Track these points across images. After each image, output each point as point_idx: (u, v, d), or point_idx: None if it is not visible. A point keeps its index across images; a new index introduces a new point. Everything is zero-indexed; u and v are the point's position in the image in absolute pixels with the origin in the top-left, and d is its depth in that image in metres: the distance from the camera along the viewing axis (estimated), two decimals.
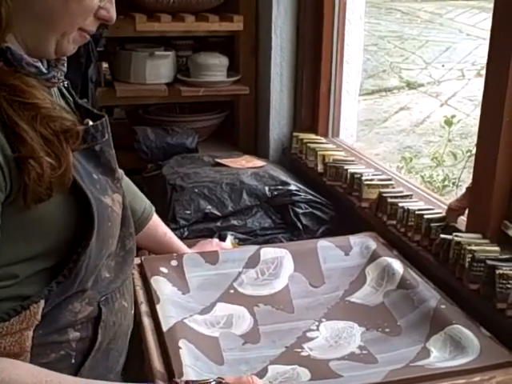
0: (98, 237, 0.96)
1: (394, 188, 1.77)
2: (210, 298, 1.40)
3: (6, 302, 0.91)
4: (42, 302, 0.93)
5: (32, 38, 0.91)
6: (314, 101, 2.26)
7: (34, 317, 0.93)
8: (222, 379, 0.93)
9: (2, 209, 0.86)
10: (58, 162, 0.87)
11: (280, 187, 1.92)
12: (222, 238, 1.73)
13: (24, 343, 0.92)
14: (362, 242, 1.59)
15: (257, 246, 1.57)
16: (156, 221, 1.45)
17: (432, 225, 1.50)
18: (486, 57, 1.36)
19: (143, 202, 1.41)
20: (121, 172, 1.18)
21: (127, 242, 1.09)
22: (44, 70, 0.94)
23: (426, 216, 1.53)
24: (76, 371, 1.00)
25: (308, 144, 2.14)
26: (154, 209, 1.45)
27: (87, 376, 0.99)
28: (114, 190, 1.03)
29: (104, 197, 0.98)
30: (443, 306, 1.31)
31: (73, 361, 0.99)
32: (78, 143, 0.92)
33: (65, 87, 1.05)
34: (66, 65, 1.00)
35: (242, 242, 1.80)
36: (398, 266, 1.47)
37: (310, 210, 1.89)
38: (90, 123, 1.00)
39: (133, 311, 1.15)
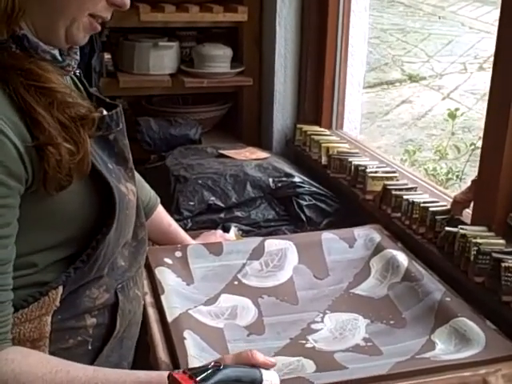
0: (118, 224, 0.97)
1: (398, 180, 1.76)
2: (215, 289, 1.40)
3: (24, 289, 0.92)
4: (61, 289, 0.94)
5: (42, 26, 0.90)
6: (317, 93, 2.26)
7: (53, 303, 0.94)
8: (219, 363, 0.90)
9: (22, 199, 0.86)
10: (76, 148, 0.88)
11: (284, 179, 1.92)
12: (226, 230, 1.73)
13: (43, 328, 0.93)
14: (366, 234, 1.58)
15: (261, 238, 1.57)
16: (161, 212, 1.45)
17: (437, 217, 1.50)
18: (494, 49, 1.35)
19: (148, 193, 1.41)
20: None
21: (139, 232, 1.10)
22: (59, 58, 0.94)
23: (430, 209, 1.53)
24: (94, 358, 1.01)
25: (312, 136, 2.13)
26: (159, 200, 1.44)
27: (103, 362, 1.01)
28: (127, 180, 1.03)
29: (120, 185, 0.99)
30: (448, 299, 1.31)
31: (89, 347, 1.00)
32: (93, 130, 0.92)
33: (77, 76, 1.05)
34: (78, 53, 0.99)
35: (245, 233, 1.79)
36: (402, 258, 1.47)
37: (314, 202, 1.88)
38: (104, 112, 0.99)
39: (143, 301, 1.15)
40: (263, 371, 0.94)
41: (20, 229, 0.87)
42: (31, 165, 0.85)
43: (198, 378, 0.85)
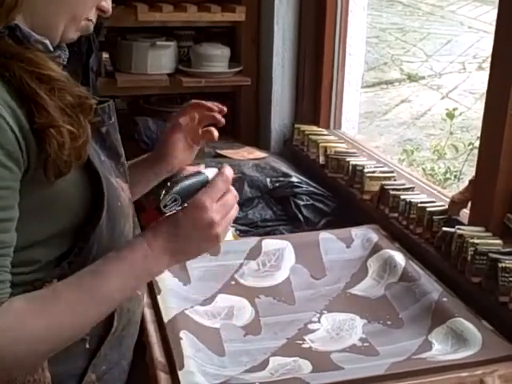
0: (109, 216, 0.96)
1: (395, 180, 1.76)
2: (211, 289, 1.40)
3: (21, 286, 0.90)
4: (55, 282, 0.92)
5: (41, 20, 0.91)
6: (315, 92, 2.26)
7: None
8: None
9: (21, 187, 0.86)
10: (78, 132, 0.88)
11: (281, 179, 1.92)
12: None
13: None
14: (363, 234, 1.58)
15: (258, 238, 1.56)
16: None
17: (434, 217, 1.50)
18: (491, 49, 1.35)
19: None
20: None
21: (137, 232, 1.10)
22: (51, 48, 0.94)
23: (428, 209, 1.53)
24: (92, 357, 0.99)
25: (310, 136, 2.13)
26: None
27: (102, 361, 1.00)
28: (117, 175, 1.03)
29: (111, 178, 0.99)
30: (445, 299, 1.31)
31: (87, 345, 0.99)
32: (91, 117, 0.92)
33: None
34: (66, 48, 1.00)
35: (242, 233, 1.79)
36: (399, 258, 1.47)
37: (312, 201, 1.88)
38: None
39: (144, 301, 1.15)
40: (205, 170, 0.98)
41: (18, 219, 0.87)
42: (27, 151, 0.84)
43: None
